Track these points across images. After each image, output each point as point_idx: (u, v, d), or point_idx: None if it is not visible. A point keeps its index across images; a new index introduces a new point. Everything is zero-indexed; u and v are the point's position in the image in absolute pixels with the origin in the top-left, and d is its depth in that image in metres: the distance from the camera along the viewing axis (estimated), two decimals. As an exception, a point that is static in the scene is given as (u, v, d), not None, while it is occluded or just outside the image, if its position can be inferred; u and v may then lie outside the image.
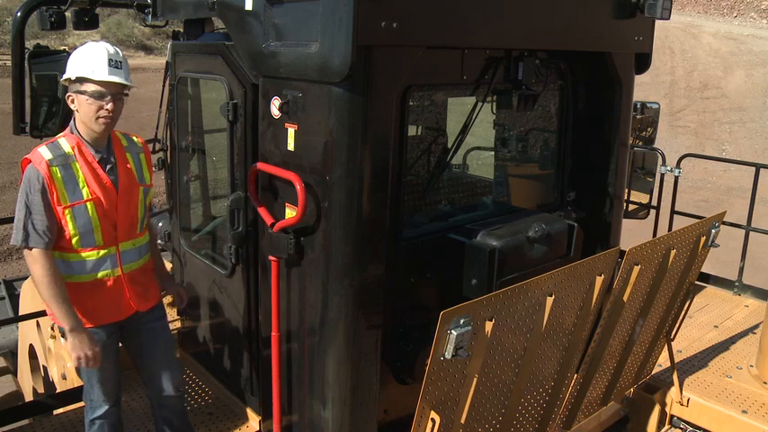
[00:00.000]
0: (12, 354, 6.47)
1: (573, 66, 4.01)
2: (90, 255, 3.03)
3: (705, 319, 5.32)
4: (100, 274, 3.06)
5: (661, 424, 4.32)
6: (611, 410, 4.18)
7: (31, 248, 2.89)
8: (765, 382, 4.37)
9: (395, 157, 3.02)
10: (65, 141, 3.01)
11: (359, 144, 2.80)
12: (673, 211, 6.00)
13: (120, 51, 3.08)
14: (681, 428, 4.33)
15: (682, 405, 4.29)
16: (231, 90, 3.33)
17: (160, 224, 5.70)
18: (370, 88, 2.77)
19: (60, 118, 3.92)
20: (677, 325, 4.14)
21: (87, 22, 4.34)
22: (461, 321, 2.34)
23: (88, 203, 2.96)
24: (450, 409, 2.66)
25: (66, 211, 2.93)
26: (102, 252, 3.05)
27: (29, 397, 5.71)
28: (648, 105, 5.58)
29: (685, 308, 4.08)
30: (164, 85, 4.30)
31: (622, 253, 3.26)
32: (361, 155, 2.82)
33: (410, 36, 2.80)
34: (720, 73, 21.92)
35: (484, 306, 2.45)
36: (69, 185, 2.93)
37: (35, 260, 2.89)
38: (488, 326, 2.50)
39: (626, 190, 4.69)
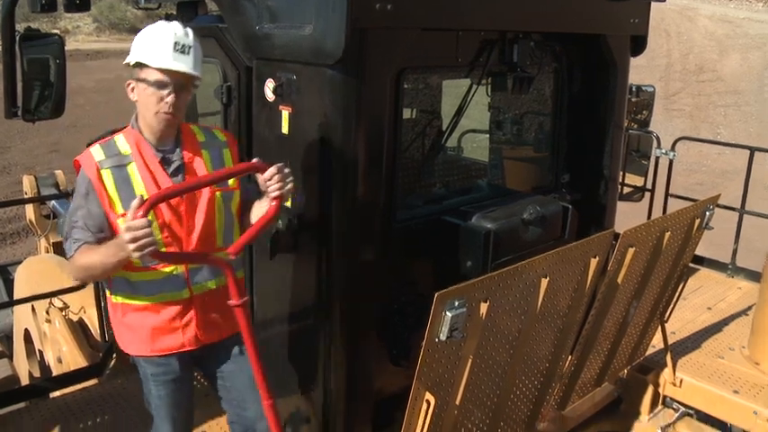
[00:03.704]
0: (7, 338, 6.49)
1: (568, 48, 4.00)
2: (152, 274, 2.58)
3: (699, 300, 5.35)
4: (162, 297, 2.62)
5: (654, 404, 4.35)
6: (605, 391, 4.21)
7: (72, 256, 2.55)
8: (757, 363, 4.40)
9: (389, 139, 3.02)
10: (122, 139, 2.59)
11: (353, 126, 2.80)
12: (667, 194, 6.01)
13: (190, 33, 2.58)
14: (674, 409, 4.37)
15: (675, 386, 4.32)
16: (225, 73, 3.32)
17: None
18: (364, 70, 2.77)
19: (53, 102, 3.90)
20: (671, 307, 4.16)
21: (78, 4, 4.29)
22: (456, 303, 2.35)
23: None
24: (445, 390, 2.68)
25: (121, 221, 2.45)
26: (167, 270, 2.59)
27: (25, 381, 5.72)
28: (644, 88, 5.57)
29: (679, 290, 4.10)
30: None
31: (617, 235, 3.27)
32: (356, 137, 2.82)
33: (404, 18, 2.79)
34: (716, 56, 21.90)
35: (479, 288, 2.46)
36: (123, 191, 2.49)
37: (74, 264, 2.55)
38: (483, 307, 2.51)
39: (621, 173, 4.70)
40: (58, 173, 6.83)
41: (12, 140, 15.02)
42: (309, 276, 3.03)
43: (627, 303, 3.60)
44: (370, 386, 3.16)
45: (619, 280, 3.29)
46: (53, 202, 6.40)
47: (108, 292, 2.74)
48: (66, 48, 3.49)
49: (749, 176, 5.66)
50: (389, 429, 2.99)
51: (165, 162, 2.59)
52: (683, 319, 4.94)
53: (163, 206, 2.50)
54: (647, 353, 4.39)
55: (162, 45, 2.49)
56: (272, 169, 2.51)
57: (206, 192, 2.60)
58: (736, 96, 17.94)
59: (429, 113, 3.97)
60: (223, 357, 2.83)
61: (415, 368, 2.44)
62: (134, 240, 2.22)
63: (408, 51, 2.91)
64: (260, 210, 2.67)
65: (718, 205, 3.87)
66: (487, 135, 4.23)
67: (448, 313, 2.32)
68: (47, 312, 4.82)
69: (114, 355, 4.11)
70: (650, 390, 4.27)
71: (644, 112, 5.61)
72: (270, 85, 3.02)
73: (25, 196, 6.64)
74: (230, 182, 2.69)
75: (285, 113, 2.99)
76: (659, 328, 4.22)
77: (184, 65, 2.50)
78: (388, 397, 3.34)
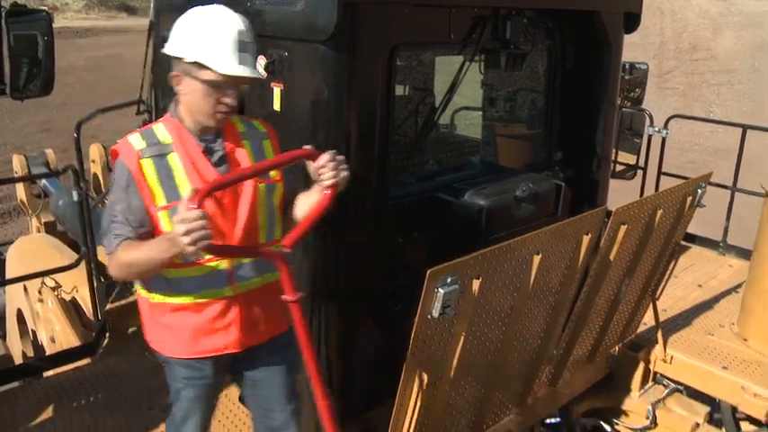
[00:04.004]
0: (0, 318, 6.48)
1: (561, 25, 3.98)
2: (192, 270, 2.40)
3: (690, 278, 5.38)
4: (203, 295, 2.44)
5: (645, 381, 4.39)
6: (597, 368, 4.24)
7: (111, 253, 2.36)
8: (746, 340, 4.44)
9: (382, 116, 3.01)
10: (161, 128, 2.39)
11: (345, 103, 2.78)
12: (660, 172, 6.01)
13: (245, 22, 2.32)
14: (664, 385, 4.41)
15: (665, 362, 4.36)
16: None
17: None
18: (356, 47, 2.75)
19: (42, 80, 3.85)
20: (662, 284, 4.19)
21: None
22: (449, 280, 2.35)
23: None
24: (437, 367, 2.69)
25: (162, 214, 2.32)
26: (210, 265, 2.41)
27: (18, 361, 5.73)
28: (637, 66, 5.56)
29: (671, 267, 4.12)
30: (147, 46, 4.24)
31: (609, 213, 3.28)
32: (348, 114, 2.80)
33: (397, -7, 2.77)
34: (710, 34, 21.84)
35: (471, 265, 2.46)
36: (165, 182, 2.32)
37: (116, 261, 2.35)
38: (475, 284, 2.52)
39: (613, 150, 4.70)
40: (49, 152, 6.77)
41: (1, 119, 14.90)
42: (302, 255, 3.03)
43: (619, 281, 3.62)
44: (364, 366, 3.17)
45: (611, 257, 3.30)
46: (44, 181, 6.35)
47: (142, 291, 2.54)
48: (54, 25, 3.44)
49: (741, 154, 5.67)
50: (383, 407, 3.00)
51: (207, 152, 2.39)
52: (674, 297, 4.97)
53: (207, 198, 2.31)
54: (639, 330, 4.42)
55: (224, 45, 2.24)
56: (326, 156, 2.35)
57: (249, 184, 2.42)
58: (729, 75, 17.93)
59: (422, 91, 3.95)
60: (258, 363, 2.66)
61: (407, 346, 2.45)
62: (188, 233, 2.03)
63: (401, 27, 2.89)
64: (309, 200, 2.51)
65: (711, 183, 3.88)
66: (480, 112, 4.22)
67: (440, 290, 2.33)
68: (39, 292, 4.81)
69: (107, 334, 4.12)
70: (641, 366, 4.30)
71: (637, 89, 5.60)
72: (261, 61, 2.99)
73: (15, 176, 6.59)
74: (273, 174, 2.50)
75: (277, 90, 2.97)
76: (650, 305, 4.24)
77: (250, 69, 2.29)
78: (381, 376, 3.36)
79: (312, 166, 2.37)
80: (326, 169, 2.35)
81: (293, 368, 2.72)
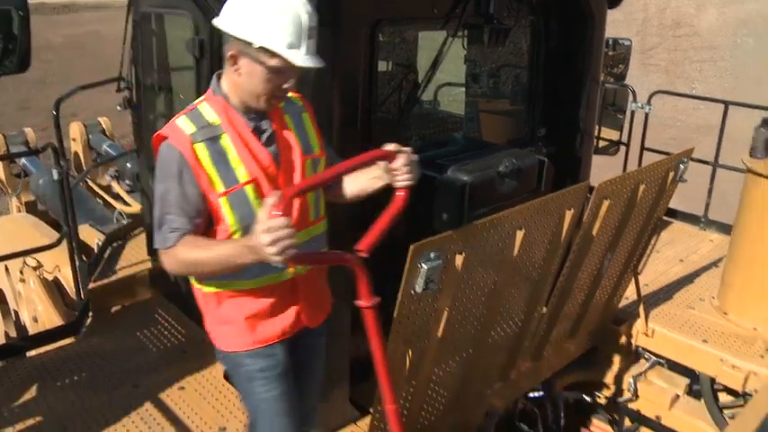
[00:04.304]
0: (-19, 299, 6.42)
1: (545, 0, 3.96)
2: None
3: (671, 253, 5.43)
4: (265, 279, 2.33)
5: (627, 355, 4.45)
6: (580, 342, 4.28)
7: (168, 248, 2.19)
8: (725, 313, 4.51)
9: (365, 92, 2.99)
10: (207, 108, 2.23)
11: (327, 80, 2.76)
12: (642, 148, 6.04)
13: (311, 2, 2.17)
14: (645, 358, 4.47)
15: (647, 336, 4.41)
16: (197, 25, 3.24)
17: (128, 165, 5.63)
18: (338, 22, 2.71)
19: (18, 56, 3.78)
20: (644, 259, 4.23)
21: None
22: (432, 255, 2.35)
23: (247, 187, 2.21)
24: (421, 342, 2.70)
25: (222, 201, 2.19)
26: None
27: (0, 341, 5.69)
28: (620, 42, 5.55)
29: (653, 242, 4.16)
30: (126, 22, 4.17)
31: (592, 188, 3.29)
32: (330, 91, 2.78)
33: (379, -34, 2.74)
34: (693, 11, 21.85)
35: (454, 240, 2.46)
36: (221, 167, 2.18)
37: (174, 258, 2.19)
38: (459, 259, 2.53)
39: (596, 126, 4.71)
40: (28, 130, 6.68)
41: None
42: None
43: (601, 255, 3.65)
44: (347, 343, 3.18)
45: (593, 232, 3.32)
46: (23, 160, 6.27)
47: (194, 281, 2.39)
48: (30, 0, 3.37)
49: (723, 130, 5.71)
50: (366, 384, 3.02)
51: (256, 131, 2.26)
52: (655, 271, 5.02)
53: (263, 180, 2.23)
54: (621, 304, 4.47)
55: (295, 32, 2.09)
56: (403, 158, 2.22)
57: (298, 162, 2.32)
58: (711, 51, 17.96)
59: (405, 67, 3.92)
60: (300, 346, 2.54)
61: (391, 321, 2.46)
62: (274, 243, 1.89)
63: (383, 2, 2.86)
64: (358, 183, 2.41)
65: (692, 159, 3.90)
66: (464, 88, 4.20)
67: (423, 265, 2.33)
68: (21, 272, 4.76)
69: (90, 314, 4.10)
70: (623, 340, 4.36)
71: (620, 65, 5.60)
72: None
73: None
74: (316, 148, 2.40)
75: (258, 66, 2.93)
76: (632, 279, 4.28)
77: (316, 57, 2.16)
78: (365, 353, 3.38)
79: (387, 166, 2.26)
80: (402, 171, 2.24)
81: (324, 356, 2.68)
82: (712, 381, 4.24)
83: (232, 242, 2.16)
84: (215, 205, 2.20)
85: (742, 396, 4.08)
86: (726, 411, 4.15)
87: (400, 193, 2.28)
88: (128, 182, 5.78)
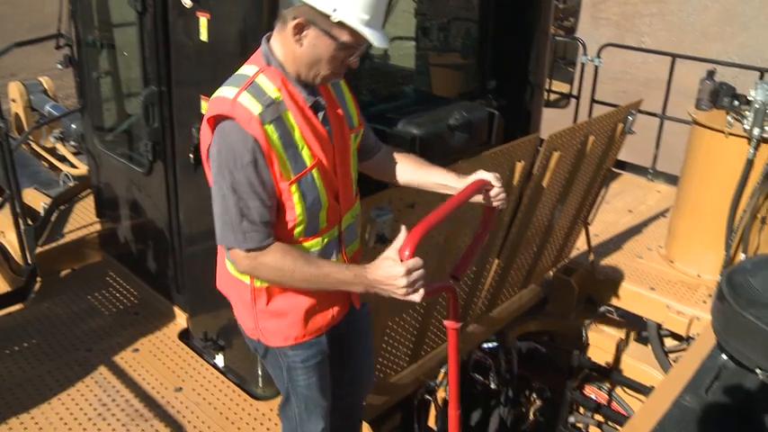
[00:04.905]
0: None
1: (494, -49, 3.92)
2: (314, 244, 2.11)
3: (620, 204, 5.55)
4: None
5: (578, 304, 4.56)
6: (531, 293, 4.37)
7: (249, 250, 1.96)
8: (672, 261, 4.65)
9: None
10: (266, 80, 1.96)
11: None
12: (593, 101, 6.11)
13: None
14: (595, 307, 4.59)
15: (597, 285, 4.53)
16: None
17: (73, 126, 5.46)
18: None
19: None
20: (594, 210, 4.31)
21: None
22: (383, 209, 2.35)
23: (314, 171, 2.01)
24: (376, 296, 2.71)
25: (294, 189, 1.98)
26: (326, 237, 2.14)
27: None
28: (571, -6, 5.56)
29: (602, 193, 4.23)
30: (63, -26, 4.00)
31: (543, 140, 3.32)
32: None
33: None
34: (642, -35, 21.97)
35: (404, 193, 2.46)
36: (290, 150, 1.96)
37: (262, 262, 1.97)
38: (409, 213, 2.53)
39: (547, 79, 4.73)
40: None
41: None
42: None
43: (552, 207, 3.70)
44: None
45: (544, 184, 3.36)
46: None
47: (240, 276, 2.18)
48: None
49: (671, 82, 5.80)
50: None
51: (314, 107, 2.05)
52: (605, 222, 5.13)
53: (325, 159, 2.05)
54: (572, 255, 4.56)
55: (373, 7, 1.90)
56: (498, 183, 2.21)
57: (347, 135, 2.17)
58: (660, 5, 18.11)
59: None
60: (347, 331, 2.42)
61: None
62: (412, 285, 1.86)
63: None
64: (424, 180, 2.33)
65: (641, 111, 3.96)
66: (414, 42, 4.16)
67: (375, 219, 2.33)
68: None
69: (39, 279, 4.01)
70: (574, 290, 4.45)
71: (570, 18, 5.61)
72: (186, -11, 2.86)
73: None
74: (356, 121, 2.24)
75: (203, 20, 2.84)
76: (583, 230, 4.37)
77: (387, 38, 2.00)
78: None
79: (487, 193, 2.23)
80: (499, 196, 2.23)
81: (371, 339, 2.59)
82: (659, 327, 4.39)
83: (346, 267, 2.02)
84: (284, 195, 1.99)
85: (686, 340, 4.23)
86: (671, 356, 4.31)
87: (491, 212, 2.28)
88: (73, 143, 5.61)
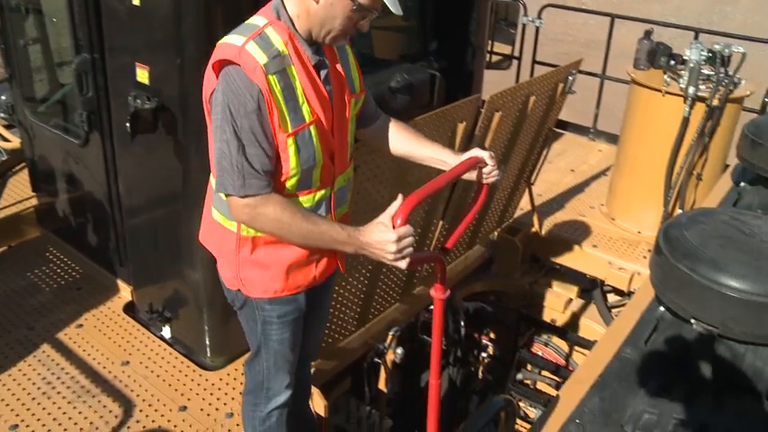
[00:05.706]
0: None
1: None
2: (306, 200, 2.15)
3: (563, 163, 5.64)
4: None
5: (523, 263, 4.65)
6: (477, 253, 4.42)
7: (247, 196, 1.97)
8: (613, 219, 4.76)
9: (248, 9, 2.86)
10: (273, 33, 1.98)
11: None
12: (534, 62, 6.16)
13: None
14: (540, 265, 4.69)
15: (541, 244, 4.62)
16: None
17: (2, 97, 5.24)
18: None
19: None
20: (537, 170, 4.37)
21: None
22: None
23: (311, 127, 2.05)
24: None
25: (290, 141, 2.01)
26: (318, 194, 2.18)
27: None
28: (511, -45, 5.54)
29: (544, 153, 4.29)
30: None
31: (484, 101, 3.33)
32: (212, 5, 2.65)
33: None
34: (583, -75, 22.08)
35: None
36: (290, 103, 1.99)
37: (262, 212, 1.99)
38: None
39: (488, 41, 4.73)
40: None
41: None
42: (172, 158, 2.92)
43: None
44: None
45: (486, 144, 3.38)
46: None
47: (227, 222, 2.20)
48: None
49: (610, 42, 5.88)
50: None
51: (318, 66, 2.07)
52: (548, 182, 5.21)
53: (324, 118, 2.08)
54: (516, 215, 4.62)
55: None
56: (492, 161, 2.27)
57: (347, 98, 2.20)
58: (601, -33, 18.30)
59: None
60: (316, 295, 2.46)
61: None
62: (400, 251, 1.92)
63: None
64: (418, 153, 2.41)
65: (581, 71, 4.01)
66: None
67: (317, 183, 2.31)
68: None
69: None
70: (519, 249, 4.53)
71: (511, -21, 5.60)
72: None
73: None
74: (358, 86, 2.27)
75: (134, -18, 2.75)
76: (526, 190, 4.43)
77: (400, 4, 2.01)
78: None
79: (481, 170, 2.30)
80: (493, 171, 2.30)
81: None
82: (601, 282, 4.51)
83: (341, 227, 2.03)
84: (280, 147, 2.01)
85: (627, 295, 4.36)
86: (614, 311, 4.44)
87: (483, 188, 2.35)
88: (2, 115, 5.39)
